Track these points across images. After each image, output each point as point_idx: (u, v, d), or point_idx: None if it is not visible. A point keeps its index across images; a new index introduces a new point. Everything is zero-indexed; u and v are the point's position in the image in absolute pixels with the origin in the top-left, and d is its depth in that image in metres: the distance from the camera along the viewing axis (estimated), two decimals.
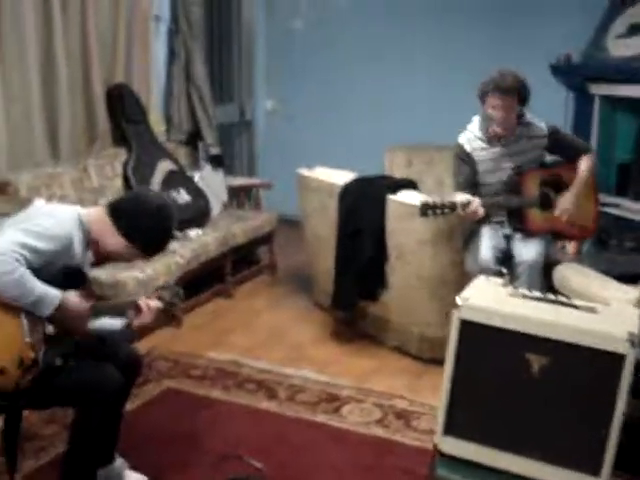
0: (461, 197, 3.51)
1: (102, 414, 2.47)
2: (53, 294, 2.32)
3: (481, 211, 3.46)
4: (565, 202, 3.75)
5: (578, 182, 3.78)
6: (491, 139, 3.76)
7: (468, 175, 3.79)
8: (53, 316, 2.34)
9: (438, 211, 3.39)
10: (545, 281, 3.64)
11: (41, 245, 2.30)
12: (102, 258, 2.65)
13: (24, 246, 2.26)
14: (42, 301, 2.29)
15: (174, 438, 3.16)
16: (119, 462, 2.74)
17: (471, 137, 3.81)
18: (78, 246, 2.47)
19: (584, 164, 3.80)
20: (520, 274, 3.58)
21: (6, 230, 2.33)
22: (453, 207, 3.42)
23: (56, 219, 2.41)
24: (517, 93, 3.59)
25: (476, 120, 3.84)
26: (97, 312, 2.54)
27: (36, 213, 2.45)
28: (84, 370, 2.45)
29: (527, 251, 3.64)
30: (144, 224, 2.56)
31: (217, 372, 3.83)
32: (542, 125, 3.80)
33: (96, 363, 2.50)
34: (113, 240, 2.55)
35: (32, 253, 2.27)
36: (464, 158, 3.81)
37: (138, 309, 2.61)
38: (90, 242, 2.54)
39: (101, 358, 2.55)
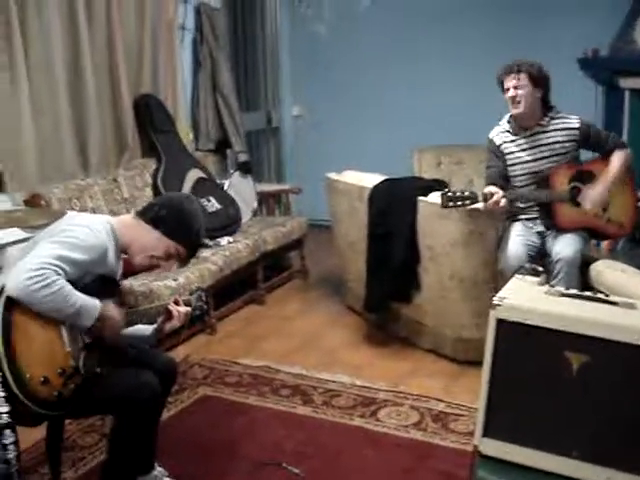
0: (484, 189, 3.52)
1: (139, 422, 2.47)
2: (93, 305, 2.34)
3: (503, 202, 3.47)
4: (592, 193, 3.71)
5: (609, 175, 3.73)
6: (517, 130, 3.79)
7: (498, 167, 3.82)
8: (92, 326, 2.35)
9: (459, 202, 3.42)
10: (581, 279, 3.60)
11: (78, 256, 2.32)
12: (129, 270, 2.66)
13: (61, 258, 2.27)
14: (83, 313, 2.31)
15: (211, 445, 3.16)
16: (158, 471, 2.75)
17: (500, 130, 3.88)
18: (112, 254, 2.49)
19: (617, 158, 3.76)
20: (558, 271, 3.54)
21: (41, 243, 2.35)
22: (474, 198, 3.43)
23: (90, 229, 2.41)
24: (528, 73, 3.67)
25: (506, 116, 3.89)
26: (130, 320, 2.56)
27: (69, 224, 2.45)
28: (121, 378, 2.46)
29: (564, 248, 3.59)
30: (172, 210, 2.58)
31: (252, 378, 3.83)
32: (575, 118, 3.79)
33: (133, 371, 2.50)
34: (141, 234, 2.54)
35: (69, 265, 2.29)
36: (494, 151, 3.87)
37: (169, 314, 2.63)
38: (121, 251, 2.56)
39: (138, 366, 2.56)
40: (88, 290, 2.35)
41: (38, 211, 3.78)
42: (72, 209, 3.97)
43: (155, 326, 2.68)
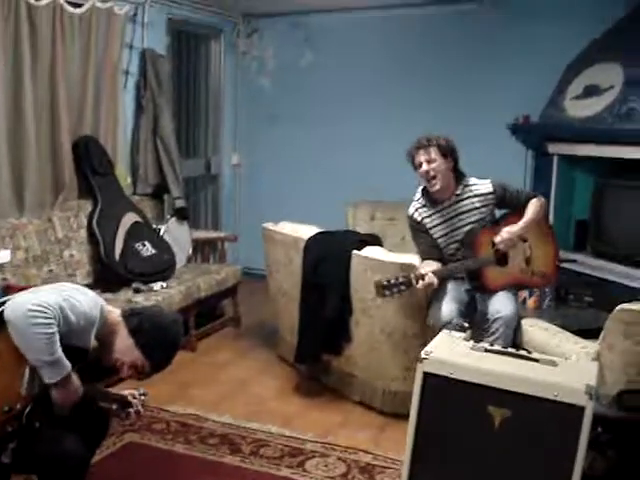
0: (413, 259, 3.57)
1: None
2: (65, 365, 2.35)
3: (436, 281, 3.54)
4: (505, 232, 3.76)
5: (524, 219, 3.80)
6: (433, 202, 3.86)
7: (427, 242, 3.88)
8: (53, 384, 2.35)
9: (395, 289, 3.46)
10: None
11: (72, 317, 2.36)
12: (106, 358, 2.64)
13: (62, 310, 2.32)
14: (55, 366, 2.31)
15: None
16: None
17: (417, 206, 3.93)
18: (93, 333, 2.51)
19: (531, 206, 3.84)
20: (495, 330, 3.61)
21: (46, 290, 2.40)
22: (408, 282, 3.48)
23: (88, 299, 2.48)
24: (437, 146, 3.74)
25: (419, 189, 3.96)
26: (88, 395, 2.58)
27: (73, 287, 2.52)
28: (51, 441, 2.43)
29: (502, 307, 3.65)
30: (156, 327, 2.63)
31: (180, 426, 3.80)
32: (487, 182, 3.87)
33: (65, 434, 2.46)
34: (122, 342, 2.58)
35: (63, 321, 2.32)
36: (417, 228, 3.92)
37: (128, 405, 2.74)
38: (99, 336, 2.57)
39: (70, 423, 2.52)
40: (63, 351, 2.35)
41: None
42: (5, 247, 3.91)
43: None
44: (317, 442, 3.67)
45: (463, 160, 3.88)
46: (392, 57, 6.31)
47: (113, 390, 2.89)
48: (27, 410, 2.32)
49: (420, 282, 3.50)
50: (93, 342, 2.55)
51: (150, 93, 5.56)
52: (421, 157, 3.76)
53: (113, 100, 5.20)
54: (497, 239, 3.75)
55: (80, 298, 2.44)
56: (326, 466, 3.44)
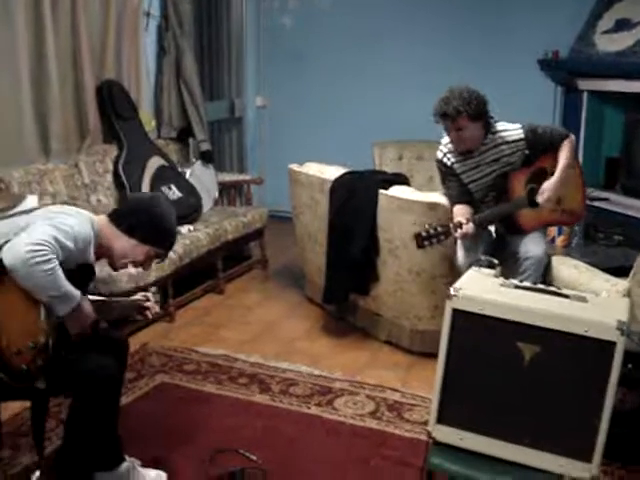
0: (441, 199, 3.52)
1: (98, 403, 2.49)
2: (74, 295, 2.38)
3: (472, 229, 3.48)
4: (547, 188, 3.71)
5: (560, 168, 3.73)
6: (463, 153, 3.77)
7: (457, 186, 3.80)
8: (65, 314, 2.38)
9: (434, 239, 3.39)
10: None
11: (68, 243, 2.36)
12: (117, 266, 2.71)
13: (57, 241, 2.31)
14: (64, 299, 2.34)
15: (168, 432, 3.17)
16: (130, 461, 2.71)
17: (446, 150, 3.83)
18: (91, 249, 2.53)
19: (564, 150, 3.76)
20: (525, 269, 3.60)
21: (37, 223, 2.36)
22: (448, 233, 3.42)
23: (78, 219, 2.47)
24: (466, 114, 3.54)
25: (446, 136, 3.82)
26: (100, 312, 2.62)
27: (61, 211, 2.51)
28: (83, 360, 2.49)
29: (532, 247, 3.63)
30: (145, 215, 2.66)
31: (210, 366, 3.85)
32: (517, 128, 3.75)
33: (94, 355, 2.54)
34: (120, 243, 2.62)
35: (61, 249, 2.33)
36: (447, 172, 3.83)
37: (142, 309, 2.79)
38: (98, 250, 2.59)
39: (93, 346, 2.58)
40: (67, 276, 2.36)
41: None
42: (32, 193, 3.93)
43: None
44: (345, 381, 3.71)
45: (491, 99, 3.70)
46: None
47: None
48: (51, 340, 2.35)
49: (458, 230, 3.45)
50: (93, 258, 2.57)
51: (172, 35, 5.51)
52: (449, 125, 3.61)
53: (135, 43, 5.16)
54: (540, 199, 3.69)
55: (70, 222, 2.41)
56: (355, 404, 3.48)
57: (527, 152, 3.76)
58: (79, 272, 2.47)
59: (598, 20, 5.23)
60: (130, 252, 2.64)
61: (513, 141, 3.74)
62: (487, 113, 3.67)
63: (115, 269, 2.74)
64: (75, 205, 4.34)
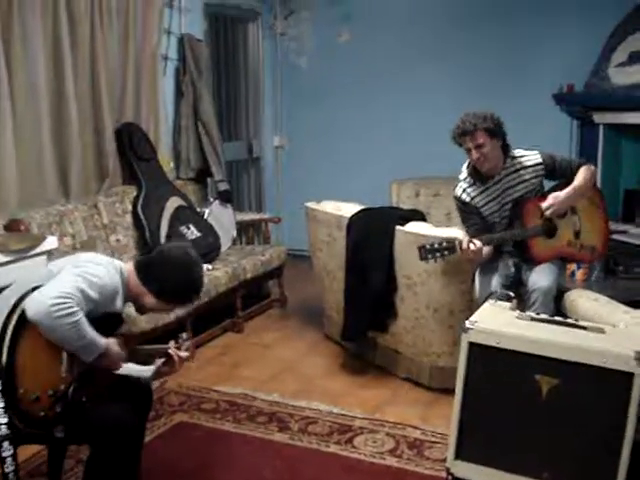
0: (458, 234, 3.51)
1: (114, 454, 2.47)
2: (100, 343, 2.39)
3: (480, 245, 3.45)
4: (551, 197, 3.66)
5: (573, 185, 3.68)
6: (481, 179, 3.75)
7: (477, 222, 3.78)
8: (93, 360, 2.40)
9: (438, 254, 3.38)
10: (555, 307, 3.63)
11: (93, 294, 2.37)
12: (142, 312, 2.79)
13: (82, 292, 2.33)
14: (88, 348, 2.36)
15: (188, 472, 3.16)
16: None
17: (465, 186, 3.82)
18: (120, 298, 2.55)
19: (581, 174, 3.72)
20: (533, 301, 3.56)
21: (63, 273, 2.38)
22: (453, 249, 3.40)
23: (106, 269, 2.48)
24: (484, 129, 3.57)
25: (464, 168, 3.84)
26: (131, 357, 2.64)
27: (89, 260, 2.52)
28: (101, 411, 2.47)
29: (540, 278, 3.60)
30: (173, 282, 2.65)
31: (229, 405, 3.84)
32: (535, 153, 3.76)
33: (113, 405, 2.52)
34: (148, 300, 2.65)
35: (86, 300, 2.34)
36: (466, 209, 3.82)
37: (169, 358, 2.70)
38: (129, 296, 2.62)
39: (116, 395, 2.57)
40: (94, 324, 2.38)
41: (18, 236, 3.78)
42: (52, 234, 3.97)
43: (154, 368, 2.73)
44: (365, 419, 3.68)
45: (508, 132, 3.72)
46: (431, 31, 6.23)
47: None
48: (71, 388, 2.36)
49: (464, 247, 3.40)
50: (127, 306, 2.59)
51: (189, 78, 5.59)
52: (469, 143, 3.62)
53: (153, 86, 5.24)
54: (544, 205, 3.65)
55: (97, 271, 2.42)
56: (375, 442, 3.44)
57: (544, 178, 3.75)
58: (106, 320, 2.48)
59: (612, 53, 5.25)
60: (156, 307, 2.70)
61: (532, 165, 3.74)
62: (504, 134, 3.69)
63: (141, 314, 2.81)
64: (94, 245, 4.41)
